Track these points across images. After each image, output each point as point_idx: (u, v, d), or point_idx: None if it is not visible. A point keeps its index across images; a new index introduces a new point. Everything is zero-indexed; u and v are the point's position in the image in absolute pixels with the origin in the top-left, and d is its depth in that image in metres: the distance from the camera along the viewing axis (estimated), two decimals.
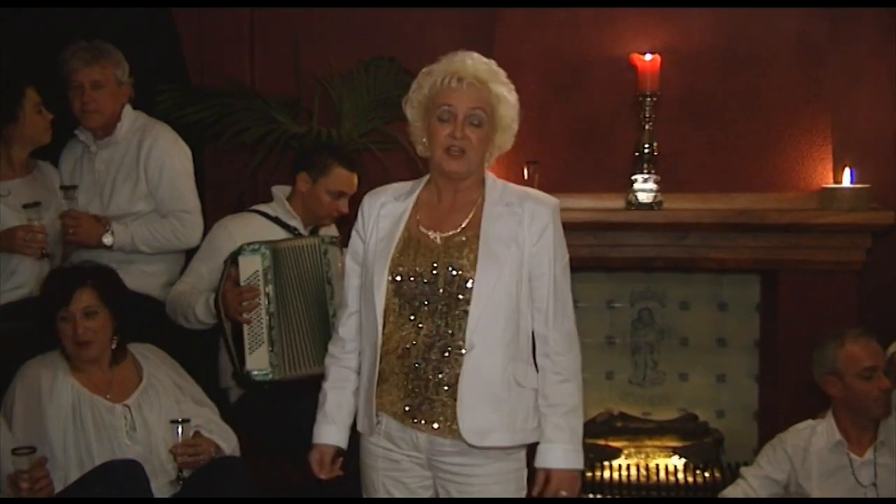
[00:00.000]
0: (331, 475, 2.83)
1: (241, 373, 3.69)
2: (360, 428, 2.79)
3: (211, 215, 4.11)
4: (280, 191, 4.02)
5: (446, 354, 2.68)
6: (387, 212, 2.77)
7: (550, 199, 2.77)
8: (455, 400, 2.67)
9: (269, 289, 3.67)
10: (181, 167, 4.03)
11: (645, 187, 4.46)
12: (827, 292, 4.48)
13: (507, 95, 2.72)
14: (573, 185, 4.50)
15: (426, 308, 2.68)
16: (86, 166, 4.05)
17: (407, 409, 2.71)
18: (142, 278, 3.97)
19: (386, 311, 2.70)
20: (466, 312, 2.66)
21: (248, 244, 3.69)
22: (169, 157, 3.99)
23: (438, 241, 2.72)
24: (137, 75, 4.04)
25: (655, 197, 4.46)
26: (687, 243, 4.53)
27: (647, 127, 4.48)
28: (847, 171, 4.50)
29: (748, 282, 4.83)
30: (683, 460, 4.72)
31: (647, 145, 4.47)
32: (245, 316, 3.65)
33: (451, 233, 2.72)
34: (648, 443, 4.79)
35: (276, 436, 3.71)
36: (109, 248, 3.90)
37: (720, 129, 4.62)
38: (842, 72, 4.67)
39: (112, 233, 3.90)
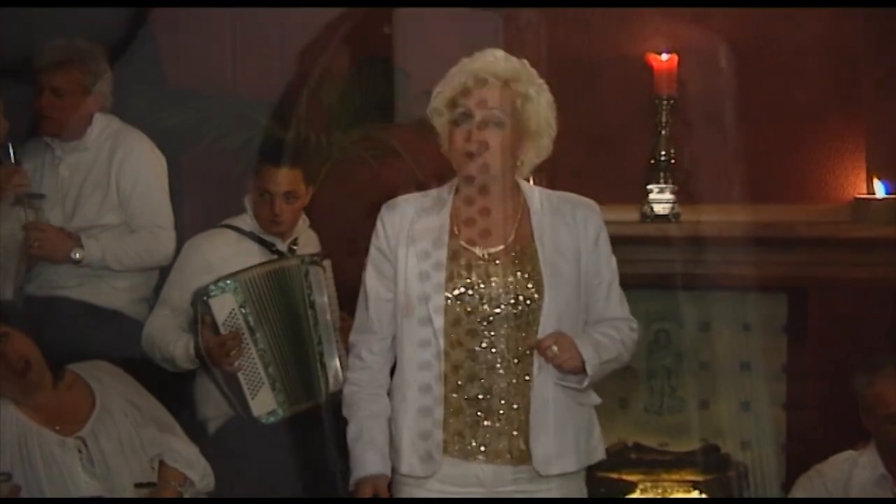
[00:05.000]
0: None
1: (247, 419, 3.59)
2: (408, 470, 2.67)
3: (188, 230, 4.00)
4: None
5: (513, 380, 2.63)
6: (422, 226, 2.67)
7: (592, 202, 2.78)
8: (526, 425, 2.62)
9: (252, 324, 3.57)
10: (156, 179, 3.96)
11: (661, 198, 4.41)
12: (860, 312, 4.41)
13: (534, 96, 2.64)
14: (583, 195, 4.33)
15: (487, 333, 2.62)
16: (48, 171, 3.96)
17: (473, 443, 2.64)
18: (112, 294, 3.90)
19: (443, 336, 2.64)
20: (529, 335, 2.61)
21: (214, 282, 3.56)
22: (144, 167, 3.93)
23: (486, 257, 2.65)
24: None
25: (673, 208, 4.40)
26: (707, 259, 4.42)
27: (663, 132, 4.43)
28: (878, 183, 4.44)
29: (774, 301, 4.68)
30: (704, 496, 4.57)
31: (663, 152, 4.42)
32: (236, 364, 3.53)
33: (498, 248, 2.66)
34: (666, 476, 4.61)
35: (257, 469, 3.58)
36: (77, 263, 3.80)
37: (743, 135, 4.46)
38: (877, 73, 4.55)
39: (83, 247, 3.80)
